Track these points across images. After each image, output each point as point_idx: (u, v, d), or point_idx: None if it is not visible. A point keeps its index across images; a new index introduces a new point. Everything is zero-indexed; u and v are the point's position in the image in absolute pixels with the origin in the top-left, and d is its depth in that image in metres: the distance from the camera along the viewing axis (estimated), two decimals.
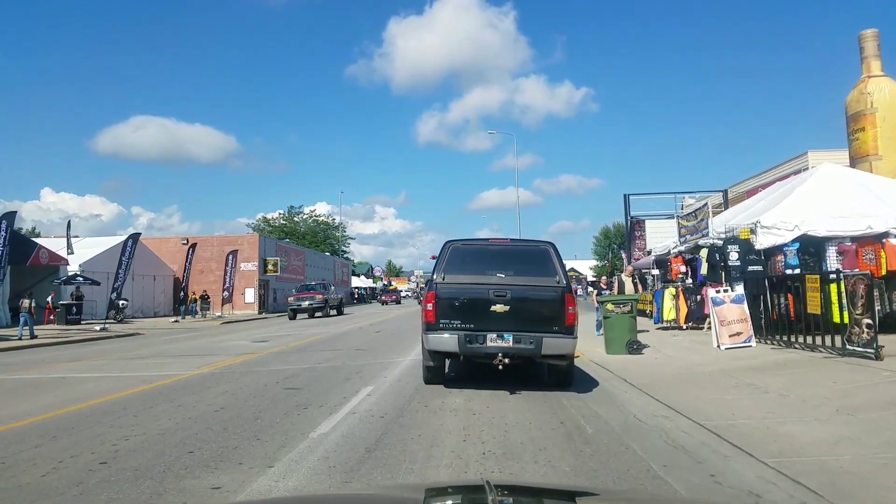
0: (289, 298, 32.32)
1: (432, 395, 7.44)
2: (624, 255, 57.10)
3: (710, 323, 16.21)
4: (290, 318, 29.81)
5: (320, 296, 31.38)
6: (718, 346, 11.38)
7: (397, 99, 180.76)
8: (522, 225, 45.64)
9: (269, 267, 43.60)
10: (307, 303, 30.69)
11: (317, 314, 31.27)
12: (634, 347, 11.27)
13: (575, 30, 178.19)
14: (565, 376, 8.06)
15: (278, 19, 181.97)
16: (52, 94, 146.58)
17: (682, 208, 29.60)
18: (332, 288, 35.55)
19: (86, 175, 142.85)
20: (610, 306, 11.41)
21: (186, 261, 32.89)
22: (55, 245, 33.54)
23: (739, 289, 11.63)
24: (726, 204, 21.36)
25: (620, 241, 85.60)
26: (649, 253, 23.38)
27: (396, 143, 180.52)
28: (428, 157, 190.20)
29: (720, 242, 14.29)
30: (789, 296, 12.32)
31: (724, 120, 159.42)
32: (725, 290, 11.61)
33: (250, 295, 42.85)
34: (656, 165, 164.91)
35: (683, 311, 15.82)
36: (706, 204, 15.80)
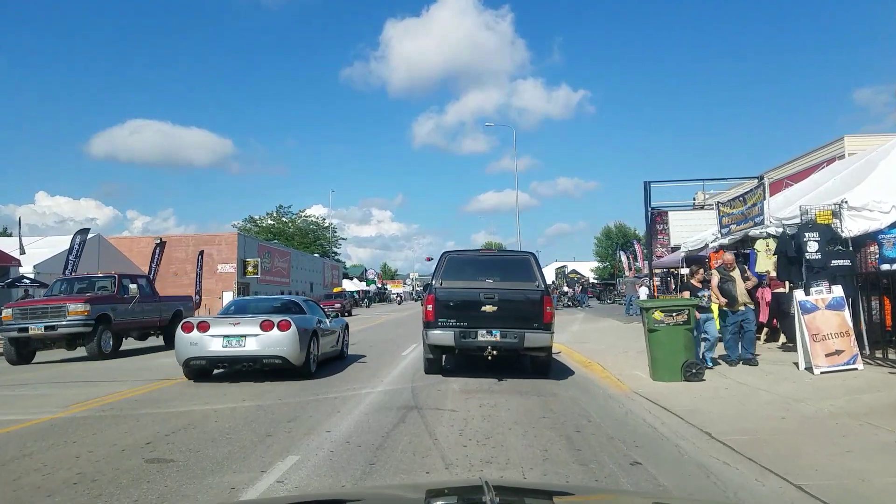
0: (2, 314, 13.46)
1: (398, 472, 4.24)
2: (624, 256, 53.75)
3: (768, 333, 13.11)
4: (11, 362, 13.11)
5: (81, 308, 13.34)
6: (809, 370, 8.20)
7: (394, 102, 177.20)
8: (519, 227, 42.34)
9: (250, 269, 40.34)
10: (42, 325, 13.04)
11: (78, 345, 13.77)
12: (693, 372, 8.08)
13: (572, 32, 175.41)
14: (544, 366, 9.06)
15: (274, 23, 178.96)
16: (47, 97, 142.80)
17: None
18: (135, 287, 15.11)
19: (82, 179, 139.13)
20: (658, 315, 8.22)
21: (152, 261, 29.49)
22: (9, 245, 30.33)
23: (838, 290, 8.46)
24: (764, 192, 18.18)
25: (623, 241, 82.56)
26: (674, 249, 20.21)
27: (392, 146, 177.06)
28: (424, 160, 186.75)
29: (782, 230, 11.16)
30: (885, 299, 9.30)
31: (726, 119, 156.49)
32: (819, 291, 8.43)
33: (228, 299, 39.61)
34: (658, 166, 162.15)
35: None
36: (761, 184, 12.65)
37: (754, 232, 12.67)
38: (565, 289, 45.52)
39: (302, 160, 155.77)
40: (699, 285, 9.21)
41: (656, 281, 19.97)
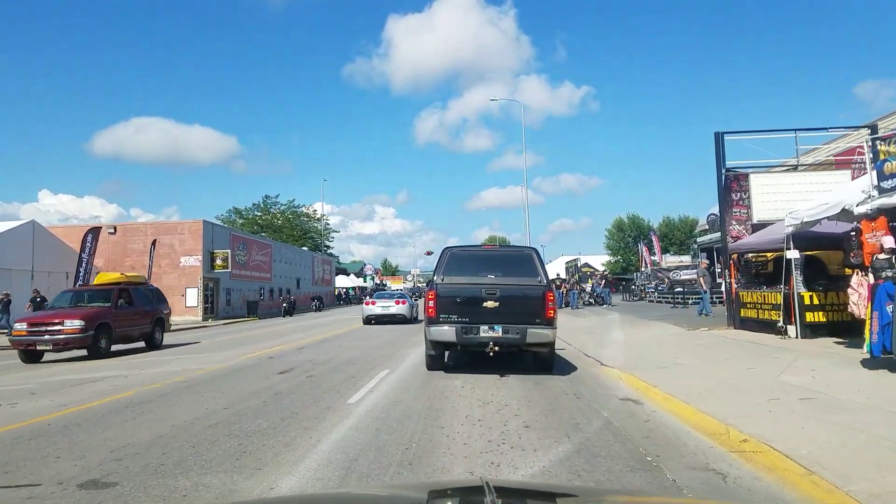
0: None
1: None
2: (644, 249, 47.75)
3: None
4: None
5: None
6: None
7: (396, 99, 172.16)
8: (524, 224, 36.60)
9: (218, 262, 34.81)
10: None
11: None
12: None
13: (575, 28, 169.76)
14: (547, 362, 9.03)
15: (277, 20, 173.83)
16: (51, 95, 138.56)
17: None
18: None
19: (86, 177, 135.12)
20: None
21: (83, 251, 24.03)
22: None
23: None
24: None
25: (638, 232, 76.75)
26: (756, 228, 14.49)
27: (396, 143, 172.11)
28: (427, 157, 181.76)
29: None
30: None
31: (729, 115, 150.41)
32: None
33: (192, 297, 34.09)
34: (661, 164, 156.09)
35: None
36: None
37: None
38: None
39: (305, 157, 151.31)
40: None
41: (735, 272, 14.24)
